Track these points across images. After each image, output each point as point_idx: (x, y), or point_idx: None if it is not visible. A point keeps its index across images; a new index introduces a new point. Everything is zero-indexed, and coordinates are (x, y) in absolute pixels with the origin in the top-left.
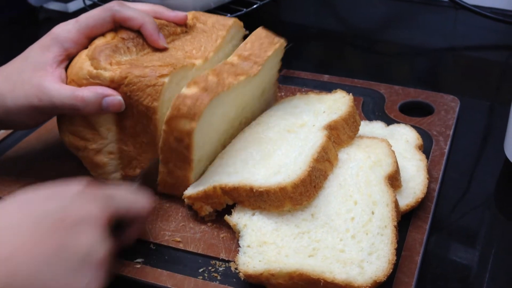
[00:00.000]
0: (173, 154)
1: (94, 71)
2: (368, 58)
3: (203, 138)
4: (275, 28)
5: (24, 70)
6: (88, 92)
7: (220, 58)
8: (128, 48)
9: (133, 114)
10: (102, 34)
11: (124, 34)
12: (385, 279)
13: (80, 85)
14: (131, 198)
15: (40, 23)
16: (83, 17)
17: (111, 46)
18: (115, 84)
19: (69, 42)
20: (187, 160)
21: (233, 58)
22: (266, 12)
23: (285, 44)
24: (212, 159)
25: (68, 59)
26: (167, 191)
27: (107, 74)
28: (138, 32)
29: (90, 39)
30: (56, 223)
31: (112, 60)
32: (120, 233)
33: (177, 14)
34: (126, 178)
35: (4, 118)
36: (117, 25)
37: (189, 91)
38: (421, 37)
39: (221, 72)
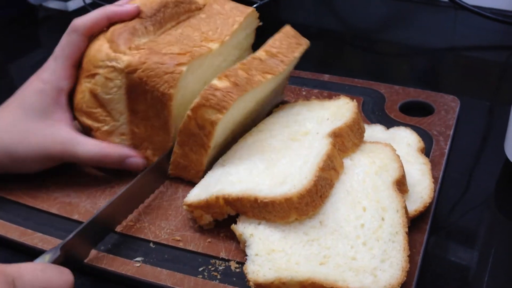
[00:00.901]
0: (191, 138)
1: (113, 54)
2: (368, 58)
3: (222, 128)
4: (275, 27)
5: (28, 118)
6: (114, 152)
7: (234, 44)
8: (146, 28)
9: (147, 99)
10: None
11: (143, 13)
12: (399, 287)
13: (91, 73)
14: (47, 278)
15: (39, 22)
16: (58, 50)
17: (129, 28)
18: (131, 68)
19: (61, 81)
20: (205, 146)
21: (261, 53)
22: (266, 11)
23: (309, 45)
24: (223, 146)
25: (66, 96)
26: (177, 173)
27: (125, 58)
28: (157, 10)
29: (76, 66)
30: None
31: (131, 45)
32: None
33: (128, 8)
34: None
35: (9, 166)
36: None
37: (220, 83)
38: (421, 37)
39: (251, 68)
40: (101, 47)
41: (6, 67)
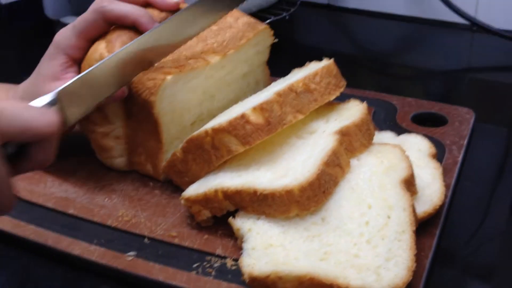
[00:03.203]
0: (199, 151)
1: (106, 54)
2: (382, 80)
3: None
4: (289, 47)
5: (38, 82)
6: None
7: (240, 60)
8: None
9: (137, 104)
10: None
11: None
12: (404, 287)
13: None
14: (27, 115)
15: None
16: (78, 21)
17: (130, 32)
18: None
19: (71, 49)
20: (211, 164)
21: (298, 85)
22: (279, 30)
23: (345, 86)
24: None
25: (75, 64)
26: (169, 175)
27: None
28: (163, 18)
29: (91, 41)
30: None
31: None
32: (24, 157)
33: (166, 1)
34: (132, 163)
35: None
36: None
37: (254, 117)
38: (437, 60)
39: (285, 103)
40: (97, 47)
41: (22, 79)
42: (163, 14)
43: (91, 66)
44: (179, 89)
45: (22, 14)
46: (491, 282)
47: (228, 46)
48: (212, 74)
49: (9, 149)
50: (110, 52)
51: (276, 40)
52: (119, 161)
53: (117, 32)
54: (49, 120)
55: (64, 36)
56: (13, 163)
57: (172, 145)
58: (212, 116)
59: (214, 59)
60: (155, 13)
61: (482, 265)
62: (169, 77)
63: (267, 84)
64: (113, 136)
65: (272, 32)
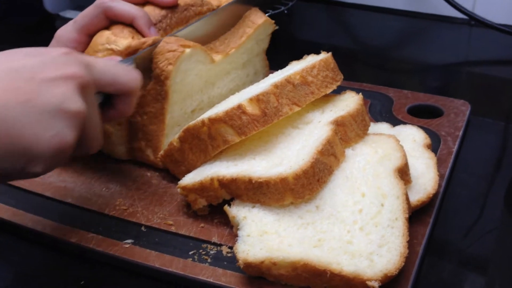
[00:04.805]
0: (195, 140)
1: (113, 37)
2: (380, 74)
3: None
4: (287, 41)
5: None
6: None
7: (241, 53)
8: None
9: (145, 80)
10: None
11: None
12: (396, 272)
13: (93, 53)
14: (116, 70)
15: (56, 31)
16: (80, 16)
17: (132, 28)
18: (130, 50)
19: (72, 42)
20: (207, 154)
21: (295, 77)
22: (278, 24)
23: (342, 80)
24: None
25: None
26: (166, 164)
27: (124, 41)
28: (164, 15)
29: (91, 36)
30: (32, 74)
31: (135, 36)
32: (107, 108)
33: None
34: (132, 149)
35: None
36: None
37: (250, 108)
38: (435, 53)
39: (281, 95)
40: (103, 33)
41: None
42: (162, 11)
43: (95, 50)
44: (192, 67)
45: (21, 8)
46: (484, 271)
47: (230, 44)
48: (215, 67)
49: (98, 99)
50: (116, 36)
51: (277, 27)
52: (119, 149)
53: (121, 24)
54: (133, 76)
55: (65, 31)
56: (100, 111)
57: (173, 130)
58: (211, 104)
59: (217, 57)
60: (155, 10)
61: (476, 255)
62: (188, 50)
63: (265, 74)
64: (114, 122)
65: (273, 22)
